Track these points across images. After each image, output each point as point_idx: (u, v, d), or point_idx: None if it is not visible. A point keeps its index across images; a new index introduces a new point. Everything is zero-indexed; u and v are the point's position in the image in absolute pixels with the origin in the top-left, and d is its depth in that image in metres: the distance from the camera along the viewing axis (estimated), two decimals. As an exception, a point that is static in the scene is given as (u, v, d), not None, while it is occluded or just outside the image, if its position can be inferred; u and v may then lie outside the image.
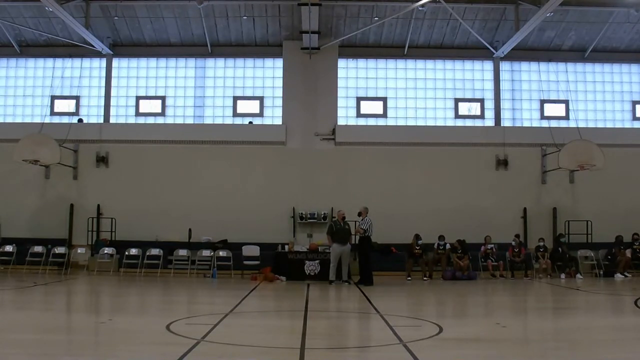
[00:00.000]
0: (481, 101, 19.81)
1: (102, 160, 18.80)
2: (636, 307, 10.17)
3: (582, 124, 18.72)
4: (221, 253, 16.88)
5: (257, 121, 19.53)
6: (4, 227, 17.92)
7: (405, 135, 19.06)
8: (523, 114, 19.87)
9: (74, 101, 19.62)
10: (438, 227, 17.12)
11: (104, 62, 19.58)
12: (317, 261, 15.51)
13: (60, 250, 16.78)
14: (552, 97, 19.78)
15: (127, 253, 16.84)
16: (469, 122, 19.71)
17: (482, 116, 19.77)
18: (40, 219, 18.29)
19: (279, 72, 19.52)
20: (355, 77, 19.78)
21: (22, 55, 19.81)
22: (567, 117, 19.71)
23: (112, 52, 19.37)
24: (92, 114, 19.61)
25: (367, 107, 19.69)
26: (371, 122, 19.65)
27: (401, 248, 16.87)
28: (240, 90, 19.77)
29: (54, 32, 18.81)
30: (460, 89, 19.83)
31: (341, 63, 19.58)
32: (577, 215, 18.42)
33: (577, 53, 19.84)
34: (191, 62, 19.85)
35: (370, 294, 12.32)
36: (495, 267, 16.64)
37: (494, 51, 19.16)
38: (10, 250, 16.83)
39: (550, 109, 19.84)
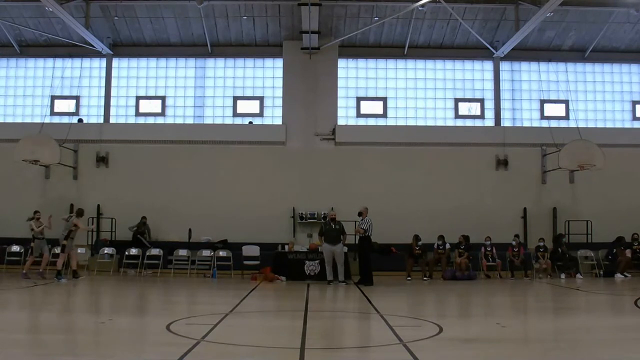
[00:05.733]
0: (481, 101, 19.81)
1: (102, 160, 18.80)
2: (636, 307, 10.17)
3: (582, 124, 18.72)
4: (221, 253, 16.88)
5: (257, 121, 19.54)
6: (5, 227, 17.89)
7: (405, 135, 19.06)
8: (523, 114, 19.88)
9: (74, 101, 19.63)
10: (438, 227, 17.12)
11: (104, 62, 19.59)
12: (317, 261, 15.50)
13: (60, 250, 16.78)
14: (552, 97, 19.79)
15: (127, 253, 16.85)
16: (469, 122, 19.72)
17: (482, 116, 19.77)
18: (40, 219, 18.23)
19: (279, 72, 19.53)
20: (355, 77, 19.79)
21: (22, 55, 19.81)
22: (567, 117, 19.72)
23: (112, 52, 19.38)
24: (92, 114, 19.62)
25: (367, 107, 19.69)
26: (371, 122, 19.65)
27: (401, 248, 16.87)
28: (240, 90, 19.78)
29: (54, 32, 18.81)
30: (460, 89, 19.84)
31: (341, 63, 19.59)
32: (577, 215, 18.43)
33: (577, 53, 19.85)
34: (191, 62, 19.86)
35: (370, 294, 12.31)
36: (492, 267, 16.66)
37: (494, 51, 19.16)
38: (18, 250, 16.89)
39: (550, 109, 19.85)
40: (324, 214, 18.09)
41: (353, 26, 18.80)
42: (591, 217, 18.25)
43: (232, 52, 19.75)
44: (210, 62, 19.88)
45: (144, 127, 19.30)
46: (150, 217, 18.17)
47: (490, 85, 19.74)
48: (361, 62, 19.87)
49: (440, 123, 19.64)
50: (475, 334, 7.62)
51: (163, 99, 19.73)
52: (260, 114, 19.64)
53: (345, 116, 19.61)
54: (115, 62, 19.64)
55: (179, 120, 19.67)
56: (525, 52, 19.48)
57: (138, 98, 19.71)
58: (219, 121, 19.61)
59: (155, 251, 16.95)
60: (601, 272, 16.88)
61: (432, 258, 16.68)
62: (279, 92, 19.46)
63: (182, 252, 17.06)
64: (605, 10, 18.08)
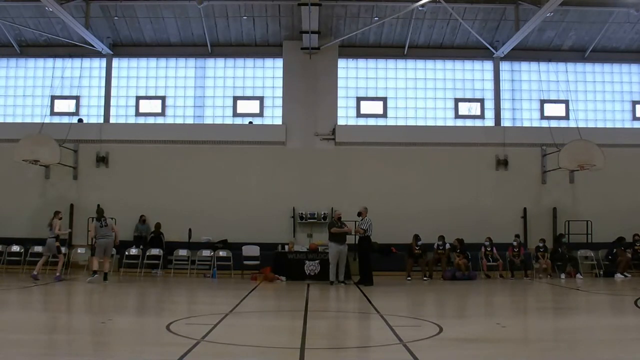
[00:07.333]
0: (481, 101, 19.80)
1: (102, 160, 18.80)
2: (636, 307, 10.17)
3: (582, 124, 18.72)
4: (221, 253, 16.89)
5: (257, 121, 19.53)
6: (5, 227, 17.89)
7: (405, 135, 19.06)
8: (523, 114, 19.87)
9: (74, 101, 19.62)
10: (438, 227, 17.15)
11: (104, 62, 19.58)
12: (317, 261, 15.54)
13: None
14: (552, 97, 19.78)
15: (127, 253, 16.85)
16: (469, 122, 19.71)
17: (482, 116, 19.77)
18: (40, 219, 18.20)
19: (279, 72, 19.52)
20: (355, 77, 19.77)
21: (22, 55, 19.80)
22: (567, 117, 19.71)
23: (112, 52, 19.37)
24: (92, 114, 19.61)
25: (367, 107, 19.68)
26: (371, 122, 19.64)
27: (401, 248, 16.89)
28: (240, 90, 19.77)
29: (54, 32, 18.81)
30: (460, 89, 19.83)
31: (341, 63, 19.58)
32: (577, 215, 18.43)
33: (577, 53, 19.84)
34: (191, 62, 19.85)
35: (370, 294, 12.32)
36: (491, 267, 16.66)
37: (494, 51, 19.16)
38: (18, 250, 16.90)
39: (550, 109, 19.84)
40: (324, 213, 18.10)
41: (353, 26, 18.80)
42: (591, 217, 18.24)
43: (232, 52, 19.74)
44: (210, 62, 19.87)
45: (144, 127, 19.29)
46: (150, 217, 18.17)
47: (490, 85, 19.74)
48: (361, 62, 19.86)
49: (440, 123, 19.63)
50: (475, 334, 7.63)
51: (163, 99, 19.72)
52: (260, 114, 19.64)
53: (345, 116, 19.60)
54: (115, 62, 19.63)
55: (179, 120, 19.66)
56: (525, 52, 19.47)
57: (138, 98, 19.70)
58: (219, 121, 19.60)
59: (155, 251, 16.95)
60: (601, 272, 16.90)
61: (432, 258, 16.69)
62: (279, 92, 19.45)
63: (182, 252, 17.08)
64: (605, 10, 18.08)
